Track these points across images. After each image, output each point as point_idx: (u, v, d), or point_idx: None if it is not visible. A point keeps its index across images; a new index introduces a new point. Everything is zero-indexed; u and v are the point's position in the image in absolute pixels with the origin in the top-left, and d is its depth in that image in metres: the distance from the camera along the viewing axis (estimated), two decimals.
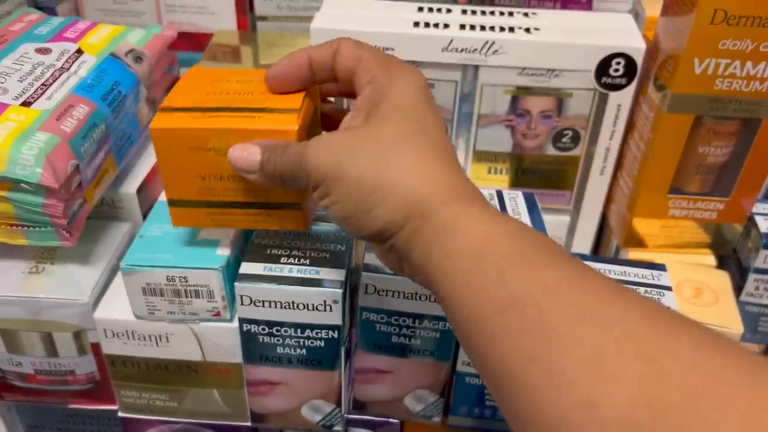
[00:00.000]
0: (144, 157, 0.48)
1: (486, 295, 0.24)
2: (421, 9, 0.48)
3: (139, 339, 0.39)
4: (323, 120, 0.36)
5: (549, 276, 0.23)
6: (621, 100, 0.46)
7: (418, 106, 0.29)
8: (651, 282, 0.41)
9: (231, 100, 0.33)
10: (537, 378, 0.22)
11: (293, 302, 0.36)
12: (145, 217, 0.43)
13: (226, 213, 0.34)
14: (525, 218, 0.43)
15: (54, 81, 0.42)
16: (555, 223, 0.52)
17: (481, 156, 0.50)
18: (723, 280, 0.46)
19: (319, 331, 0.37)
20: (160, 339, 0.39)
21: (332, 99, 0.38)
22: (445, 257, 0.25)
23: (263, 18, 0.59)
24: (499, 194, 0.44)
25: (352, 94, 0.32)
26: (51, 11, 0.58)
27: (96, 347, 0.41)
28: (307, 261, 0.37)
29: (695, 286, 0.45)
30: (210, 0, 0.58)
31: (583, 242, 0.53)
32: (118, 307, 0.39)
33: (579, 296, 0.22)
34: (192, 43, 0.59)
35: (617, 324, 0.21)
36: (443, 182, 0.27)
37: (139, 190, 0.45)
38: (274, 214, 0.34)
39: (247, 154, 0.30)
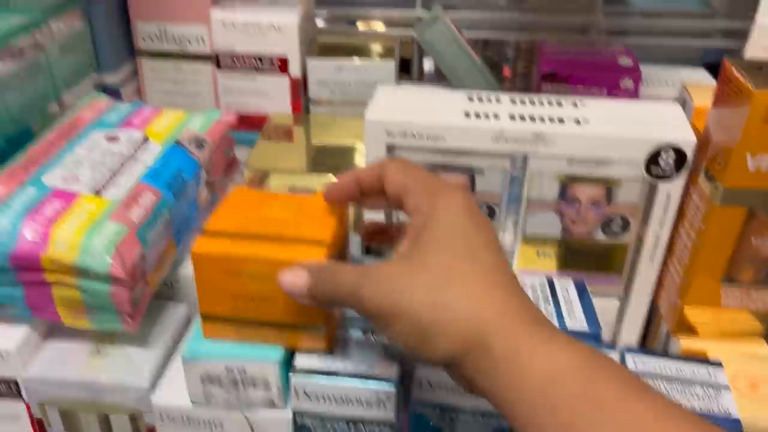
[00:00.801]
0: None
1: None
2: (471, 99, 0.49)
3: (194, 425, 0.40)
4: (370, 233, 0.40)
5: (621, 416, 0.23)
6: (671, 190, 0.47)
7: (463, 230, 0.29)
8: (707, 380, 0.40)
9: (268, 226, 0.36)
10: None
11: (346, 396, 0.36)
12: None
13: (254, 330, 0.37)
14: (576, 306, 0.43)
15: (123, 169, 0.44)
16: (604, 307, 0.52)
17: (529, 240, 0.51)
18: None
19: (372, 427, 0.37)
20: (215, 425, 0.39)
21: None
22: (509, 392, 0.25)
23: (317, 102, 0.61)
24: (551, 283, 0.45)
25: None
26: (116, 93, 0.61)
27: (151, 431, 0.42)
28: (362, 353, 0.37)
29: (751, 379, 0.44)
30: (266, 84, 0.60)
31: (632, 327, 0.53)
32: (174, 392, 0.40)
33: None
34: (247, 123, 0.61)
35: None
36: (498, 309, 0.27)
37: None
38: (299, 334, 0.37)
39: (293, 279, 0.32)
